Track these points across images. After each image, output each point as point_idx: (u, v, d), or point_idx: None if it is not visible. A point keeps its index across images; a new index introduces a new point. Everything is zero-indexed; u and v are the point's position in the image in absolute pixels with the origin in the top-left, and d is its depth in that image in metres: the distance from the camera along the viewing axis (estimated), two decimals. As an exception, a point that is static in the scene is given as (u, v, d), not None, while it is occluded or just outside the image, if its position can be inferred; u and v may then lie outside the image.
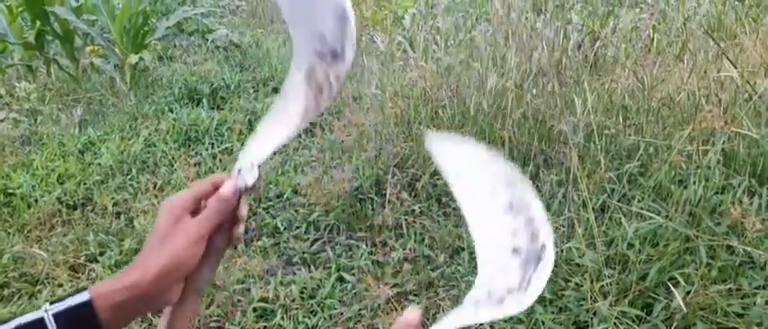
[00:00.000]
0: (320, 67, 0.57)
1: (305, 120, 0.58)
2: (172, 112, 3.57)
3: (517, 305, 0.52)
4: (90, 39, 4.57)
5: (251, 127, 3.45)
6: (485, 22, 4.54)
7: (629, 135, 2.29)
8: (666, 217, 1.82)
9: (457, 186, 0.58)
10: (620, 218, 1.89)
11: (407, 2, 6.04)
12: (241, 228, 0.61)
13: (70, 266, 2.46)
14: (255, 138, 0.59)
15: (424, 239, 2.30)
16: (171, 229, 0.55)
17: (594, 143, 2.24)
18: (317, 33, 0.57)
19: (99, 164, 3.17)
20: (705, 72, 2.53)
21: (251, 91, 3.94)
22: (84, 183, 3.02)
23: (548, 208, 2.19)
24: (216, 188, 0.58)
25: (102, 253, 2.50)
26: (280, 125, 0.58)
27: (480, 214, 0.57)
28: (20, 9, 4.59)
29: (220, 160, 3.09)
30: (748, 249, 1.63)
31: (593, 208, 1.92)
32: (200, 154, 3.18)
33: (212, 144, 3.28)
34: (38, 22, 4.35)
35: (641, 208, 1.87)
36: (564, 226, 2.02)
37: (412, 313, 0.52)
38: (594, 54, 3.10)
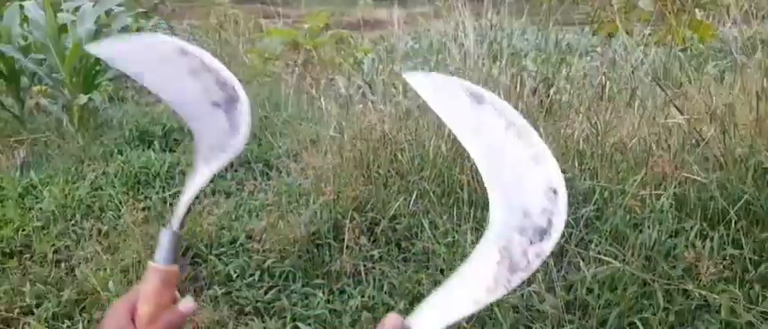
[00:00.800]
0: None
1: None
2: (121, 155, 3.44)
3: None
4: (37, 78, 4.41)
5: (205, 170, 3.35)
6: (442, 67, 4.63)
7: (585, 179, 2.32)
8: (624, 261, 1.82)
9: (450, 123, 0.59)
10: (578, 263, 1.89)
11: (366, 47, 6.13)
12: None
13: (2, 319, 2.27)
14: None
15: (383, 286, 2.24)
16: None
17: (552, 187, 2.26)
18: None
19: (40, 208, 2.99)
20: (654, 118, 2.62)
21: (206, 133, 3.85)
22: (23, 230, 2.84)
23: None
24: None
25: (38, 305, 2.32)
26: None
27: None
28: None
29: (170, 204, 2.96)
30: (703, 293, 1.65)
31: (551, 253, 1.91)
32: (150, 198, 3.05)
33: (163, 187, 3.16)
34: (-19, 61, 4.17)
35: (599, 253, 1.87)
36: (524, 272, 2.00)
37: (391, 319, 0.53)
38: (549, 100, 3.18)
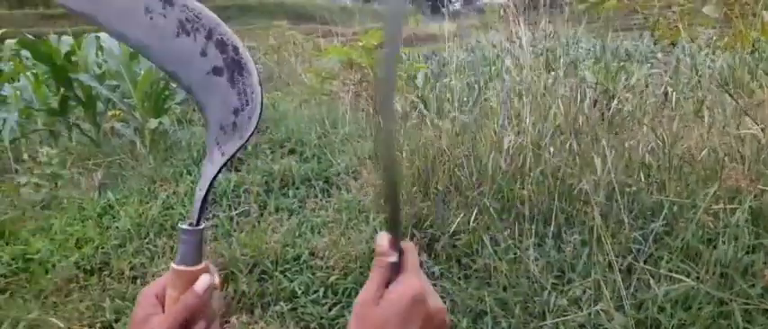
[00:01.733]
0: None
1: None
2: (190, 175, 3.61)
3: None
4: (111, 104, 4.69)
5: (268, 188, 3.46)
6: (497, 79, 4.60)
7: (652, 193, 2.25)
8: (697, 278, 1.76)
9: None
10: (648, 280, 1.83)
11: (420, 64, 6.17)
12: (215, 327, 0.60)
13: (86, 334, 2.42)
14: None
15: (445, 303, 2.24)
16: (141, 325, 0.56)
17: (616, 202, 2.21)
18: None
19: (117, 227, 3.17)
20: (724, 128, 2.52)
21: (268, 152, 3.98)
22: (102, 248, 3.02)
23: (572, 268, 2.14)
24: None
25: (117, 320, 2.46)
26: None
27: None
28: (45, 77, 4.75)
29: (238, 222, 3.08)
30: (787, 313, 1.57)
31: (619, 270, 1.86)
32: (218, 216, 3.18)
33: (229, 206, 3.29)
34: (62, 89, 4.49)
35: (670, 270, 1.81)
36: (591, 289, 1.96)
37: (381, 238, 0.55)
38: (610, 111, 3.11)
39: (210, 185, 0.58)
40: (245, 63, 0.56)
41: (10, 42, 5.90)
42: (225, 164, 0.58)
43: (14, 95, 4.84)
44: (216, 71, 0.56)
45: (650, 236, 1.97)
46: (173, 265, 0.58)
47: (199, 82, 0.56)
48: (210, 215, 3.19)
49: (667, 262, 1.87)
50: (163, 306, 0.58)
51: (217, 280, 0.59)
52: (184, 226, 0.57)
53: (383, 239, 0.55)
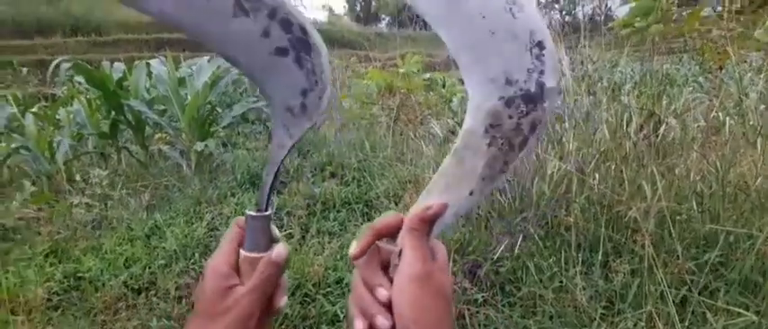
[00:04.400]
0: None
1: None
2: (234, 197, 3.68)
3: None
4: (159, 127, 4.85)
5: (310, 210, 3.50)
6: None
7: (705, 222, 2.18)
8: (758, 312, 1.69)
9: None
10: (704, 313, 1.77)
11: (455, 88, 6.19)
12: (284, 300, 0.60)
13: (133, 352, 2.47)
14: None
15: (489, 331, 2.21)
16: (221, 302, 0.55)
17: (668, 230, 2.15)
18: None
19: (164, 247, 3.25)
20: (780, 155, 2.43)
21: (310, 175, 4.04)
22: (149, 267, 3.10)
23: (622, 299, 2.08)
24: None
25: (164, 339, 2.51)
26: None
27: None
28: (98, 102, 4.96)
29: (280, 245, 3.12)
30: None
31: (673, 302, 1.81)
32: (261, 238, 3.22)
33: (272, 228, 3.33)
34: (113, 113, 4.67)
35: (727, 303, 1.75)
36: (642, 321, 1.90)
37: (423, 206, 0.50)
38: (657, 136, 3.05)
39: (278, 170, 0.57)
40: (313, 42, 0.52)
41: (66, 65, 6.19)
42: (292, 148, 0.56)
43: (68, 119, 5.06)
44: (280, 51, 0.52)
45: (706, 267, 1.90)
46: (243, 252, 0.57)
47: (261, 64, 0.53)
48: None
49: (725, 295, 1.81)
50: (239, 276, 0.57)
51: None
52: (252, 213, 0.57)
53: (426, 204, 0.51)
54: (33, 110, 5.60)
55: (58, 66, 6.58)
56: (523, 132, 0.45)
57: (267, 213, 0.58)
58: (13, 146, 4.57)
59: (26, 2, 22.36)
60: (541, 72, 0.43)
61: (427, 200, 0.49)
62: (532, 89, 0.44)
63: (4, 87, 6.95)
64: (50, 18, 20.59)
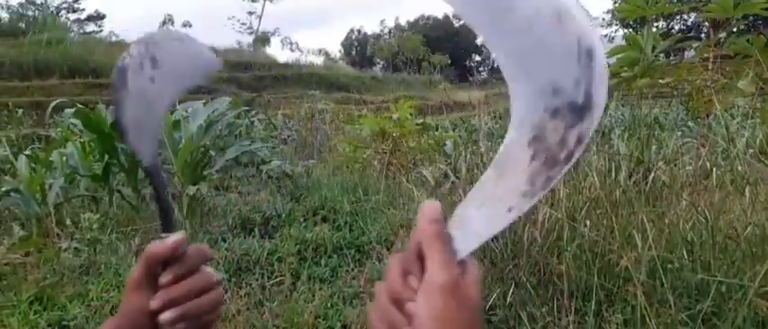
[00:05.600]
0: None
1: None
2: (225, 242, 3.65)
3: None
4: (152, 170, 4.84)
5: (301, 256, 3.47)
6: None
7: (696, 271, 2.18)
8: (751, 365, 1.67)
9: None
10: (698, 365, 1.75)
11: (449, 135, 6.25)
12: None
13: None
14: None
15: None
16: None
17: (659, 280, 2.14)
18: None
19: (152, 294, 3.20)
20: (769, 203, 2.45)
21: (302, 220, 4.02)
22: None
23: (615, 350, 2.06)
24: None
25: (149, 391, 2.44)
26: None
27: None
28: (92, 145, 4.96)
29: (270, 292, 3.08)
30: None
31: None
32: (251, 284, 3.19)
33: (262, 274, 3.30)
34: (107, 156, 4.67)
35: (721, 355, 1.73)
36: (636, 373, 1.87)
37: (430, 206, 0.48)
38: (646, 183, 3.07)
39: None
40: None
41: (69, 112, 6.23)
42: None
43: (60, 161, 5.05)
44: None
45: (698, 318, 1.89)
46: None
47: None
48: (244, 284, 3.20)
49: (717, 346, 1.79)
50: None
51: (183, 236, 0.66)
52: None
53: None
54: (26, 152, 5.59)
55: (56, 108, 6.61)
56: (569, 145, 0.42)
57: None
58: (4, 189, 4.54)
59: (26, 44, 22.66)
60: (589, 82, 0.41)
61: (464, 212, 0.47)
62: (580, 100, 0.41)
63: (-1, 129, 6.95)
64: (49, 60, 20.80)
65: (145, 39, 0.62)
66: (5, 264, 3.51)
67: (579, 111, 0.41)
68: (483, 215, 0.45)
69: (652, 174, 2.87)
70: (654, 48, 3.15)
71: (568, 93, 0.41)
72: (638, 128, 4.63)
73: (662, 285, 2.11)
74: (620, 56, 3.12)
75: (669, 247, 2.44)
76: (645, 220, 2.41)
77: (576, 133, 0.41)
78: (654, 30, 3.43)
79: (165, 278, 0.64)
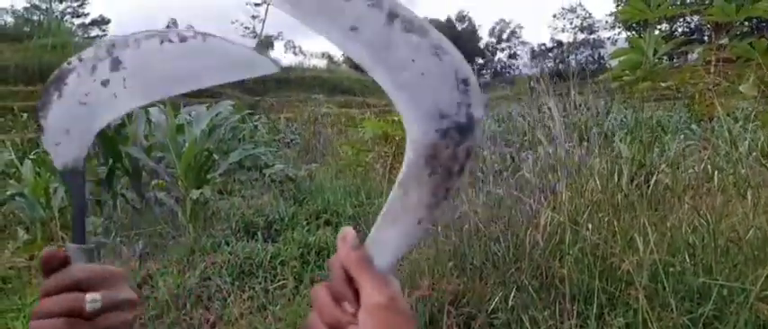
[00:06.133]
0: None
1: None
2: (228, 245, 3.67)
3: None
4: (156, 174, 4.87)
5: (304, 260, 3.48)
6: (529, 151, 4.61)
7: (698, 274, 2.18)
8: (753, 369, 1.67)
9: None
10: (699, 369, 1.75)
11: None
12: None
13: None
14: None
15: (484, 386, 2.17)
16: None
17: (661, 283, 2.14)
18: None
19: (155, 297, 3.21)
20: (771, 206, 2.45)
21: (304, 223, 4.04)
22: (140, 319, 3.05)
23: (617, 354, 2.06)
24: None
25: (152, 394, 2.45)
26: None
27: None
28: (95, 148, 4.99)
29: (273, 295, 3.09)
30: None
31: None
32: (254, 288, 3.20)
33: (266, 278, 3.31)
34: (111, 160, 4.70)
35: (722, 358, 1.73)
36: (637, 377, 1.88)
37: (345, 231, 0.52)
38: (648, 187, 3.07)
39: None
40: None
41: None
42: None
43: (65, 166, 5.06)
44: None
45: (700, 322, 1.89)
46: None
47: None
48: (247, 287, 3.21)
49: (719, 350, 1.79)
50: None
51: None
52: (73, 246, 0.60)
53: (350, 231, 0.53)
54: (31, 156, 5.63)
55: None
56: (460, 159, 0.49)
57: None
58: (9, 193, 4.57)
59: (31, 49, 22.77)
60: (469, 104, 0.48)
61: (378, 233, 0.51)
62: (463, 120, 0.48)
63: (4, 133, 6.99)
64: (53, 64, 20.78)
65: (115, 39, 0.59)
66: (10, 268, 3.53)
67: (464, 129, 0.48)
68: (397, 232, 0.51)
69: (654, 178, 2.87)
70: (656, 51, 3.15)
71: (453, 116, 0.48)
72: (641, 131, 4.63)
73: (664, 289, 2.11)
74: (622, 59, 3.12)
75: (671, 251, 2.44)
76: (647, 224, 2.41)
77: (465, 148, 0.48)
78: (656, 32, 3.43)
79: (44, 285, 0.58)
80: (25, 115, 11.71)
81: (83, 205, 0.62)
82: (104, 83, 0.58)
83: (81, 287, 0.57)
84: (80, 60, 0.58)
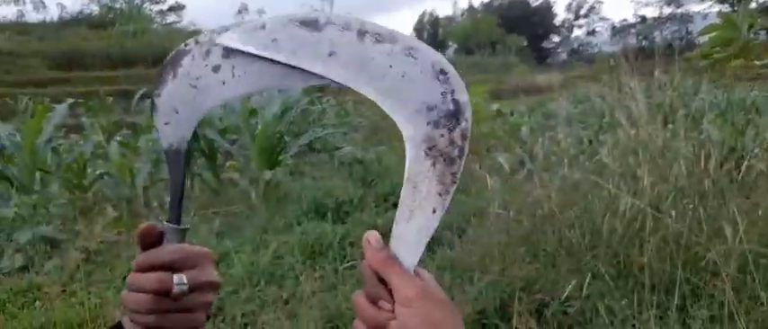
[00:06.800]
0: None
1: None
2: (300, 225, 3.76)
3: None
4: (230, 156, 5.06)
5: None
6: (608, 134, 4.41)
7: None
8: None
9: None
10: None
11: (523, 121, 6.07)
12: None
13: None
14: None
15: (556, 375, 2.12)
16: None
17: (750, 274, 2.00)
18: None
19: (231, 274, 3.35)
20: None
21: (373, 205, 4.07)
22: (218, 293, 3.19)
23: (702, 348, 1.95)
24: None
25: (230, 365, 2.57)
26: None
27: None
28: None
29: (342, 275, 3.15)
30: None
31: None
32: (324, 267, 3.27)
33: (335, 258, 3.37)
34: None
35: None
36: (725, 374, 1.77)
37: (369, 234, 0.55)
38: (739, 172, 2.86)
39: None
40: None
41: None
42: None
43: (146, 146, 5.37)
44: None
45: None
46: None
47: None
48: (318, 266, 3.28)
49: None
50: None
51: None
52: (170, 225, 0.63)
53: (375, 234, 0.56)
54: (117, 138, 5.99)
55: (143, 96, 7.02)
56: (458, 143, 0.52)
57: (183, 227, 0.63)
58: (98, 172, 4.89)
59: (114, 36, 24.18)
60: (452, 91, 0.52)
61: (398, 230, 0.55)
62: (451, 107, 0.52)
63: (92, 116, 7.48)
64: (135, 50, 22.16)
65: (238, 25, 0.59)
66: (101, 242, 3.79)
67: (454, 115, 0.52)
68: (415, 225, 0.54)
69: (745, 162, 2.67)
70: (751, 26, 2.91)
71: (440, 105, 0.52)
72: (733, 113, 4.31)
73: (753, 280, 1.97)
74: (713, 35, 2.90)
75: (762, 240, 2.27)
76: (736, 211, 2.25)
77: (459, 132, 0.52)
78: (752, 6, 3.17)
79: (138, 259, 0.61)
80: (110, 99, 12.47)
81: (181, 186, 0.64)
82: (215, 69, 0.59)
83: (172, 267, 0.60)
84: (196, 43, 0.59)
